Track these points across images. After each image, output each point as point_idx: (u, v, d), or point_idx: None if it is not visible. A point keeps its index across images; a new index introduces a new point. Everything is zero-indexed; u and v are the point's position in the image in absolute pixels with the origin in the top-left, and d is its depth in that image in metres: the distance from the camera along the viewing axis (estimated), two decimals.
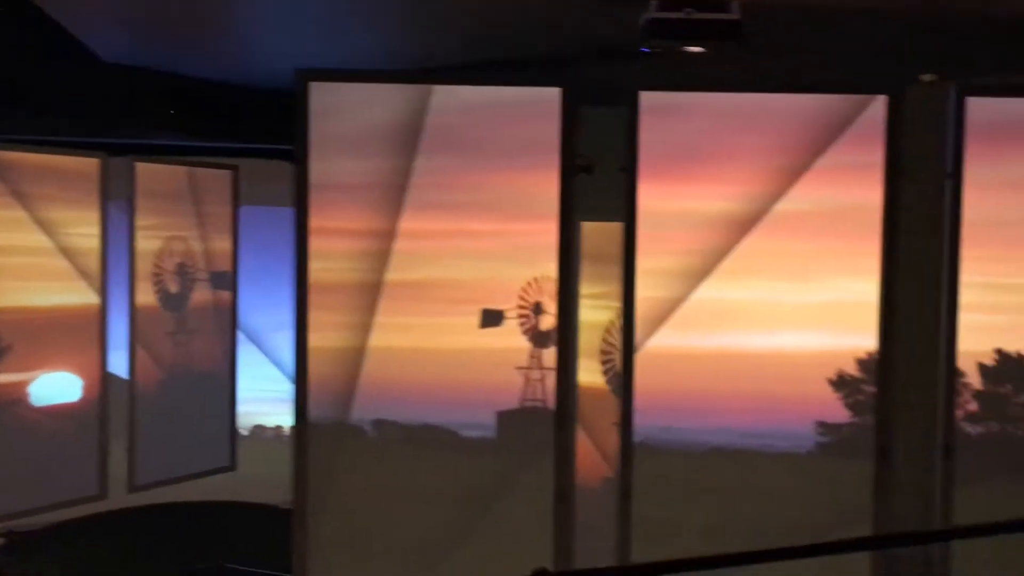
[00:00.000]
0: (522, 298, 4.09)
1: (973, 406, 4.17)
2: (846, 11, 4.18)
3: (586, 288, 5.26)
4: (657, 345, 4.10)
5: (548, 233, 4.06)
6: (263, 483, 5.63)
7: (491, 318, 4.06)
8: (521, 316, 4.09)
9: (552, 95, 4.04)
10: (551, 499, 4.10)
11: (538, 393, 4.08)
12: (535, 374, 4.08)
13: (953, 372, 4.14)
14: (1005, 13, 3.97)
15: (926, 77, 4.94)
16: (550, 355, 4.09)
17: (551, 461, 4.08)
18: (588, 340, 5.12)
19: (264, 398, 6.45)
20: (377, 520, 4.09)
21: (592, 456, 4.97)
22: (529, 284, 4.09)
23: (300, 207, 4.06)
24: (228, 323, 6.12)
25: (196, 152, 5.98)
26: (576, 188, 4.40)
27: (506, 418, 4.09)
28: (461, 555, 4.08)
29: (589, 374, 5.07)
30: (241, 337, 6.25)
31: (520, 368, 4.07)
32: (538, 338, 4.09)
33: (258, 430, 6.58)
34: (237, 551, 5.62)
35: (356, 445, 4.09)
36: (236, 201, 6.10)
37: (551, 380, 4.09)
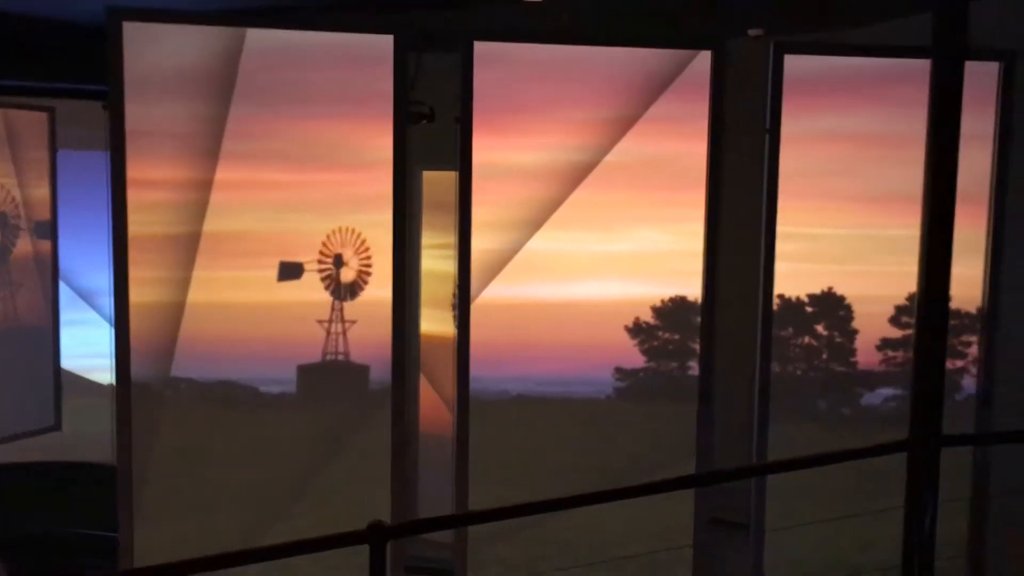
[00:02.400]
0: (322, 251, 3.90)
1: None
2: None
3: (430, 238, 5.13)
4: (485, 296, 4.02)
5: (356, 183, 3.87)
6: (91, 442, 5.27)
7: (289, 271, 3.86)
8: (322, 269, 3.90)
9: (382, 42, 3.82)
10: (388, 451, 3.99)
11: (340, 346, 3.93)
12: (336, 327, 3.92)
13: (769, 319, 4.25)
14: None
15: (753, 32, 4.98)
16: (352, 308, 3.93)
17: (385, 413, 3.95)
18: (433, 289, 5.00)
19: (91, 353, 6.02)
20: (201, 478, 3.87)
21: (438, 406, 4.89)
22: (330, 236, 3.90)
23: (116, 155, 3.72)
24: (49, 276, 5.65)
25: (3, 92, 5.41)
26: (417, 136, 4.25)
27: (307, 372, 3.93)
28: (293, 511, 3.92)
29: (436, 323, 4.95)
30: (66, 290, 5.81)
31: (321, 322, 3.90)
32: (340, 291, 3.92)
33: (86, 387, 6.16)
34: (64, 513, 5.26)
35: (162, 403, 3.84)
36: (54, 146, 5.59)
37: (353, 333, 3.93)
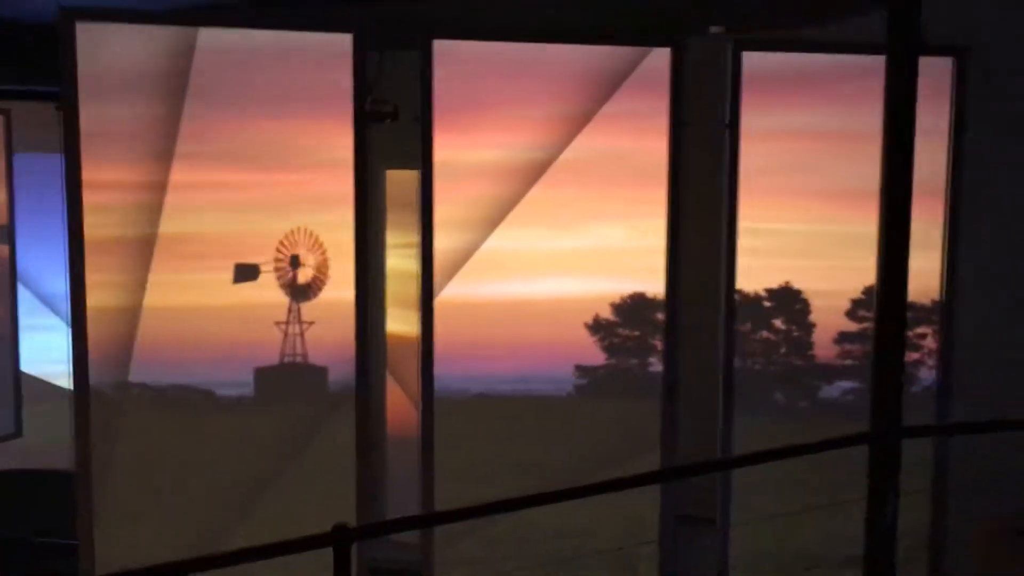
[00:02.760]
0: (279, 252, 3.86)
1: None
2: None
3: (394, 237, 5.08)
4: (445, 295, 4.00)
5: (312, 183, 3.82)
6: (52, 449, 5.17)
7: (245, 272, 3.81)
8: (278, 270, 3.86)
9: (339, 40, 3.77)
10: (352, 453, 3.94)
11: (298, 348, 3.89)
12: (294, 328, 3.87)
13: (732, 313, 4.27)
14: None
15: (714, 29, 5.00)
16: (310, 309, 3.89)
17: (344, 414, 3.91)
18: (396, 289, 4.96)
19: (55, 358, 5.91)
20: (159, 483, 3.81)
21: (405, 405, 4.86)
22: (286, 237, 3.86)
23: (70, 157, 3.65)
24: (7, 280, 5.54)
25: None
26: (379, 135, 4.22)
27: (264, 375, 3.89)
28: (254, 515, 3.87)
29: (400, 323, 4.92)
30: (29, 295, 5.71)
31: (279, 323, 3.86)
32: (297, 292, 3.88)
33: (50, 392, 6.04)
34: (25, 520, 5.16)
35: (119, 409, 3.77)
36: (10, 149, 5.48)
37: (312, 334, 3.90)
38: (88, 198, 3.64)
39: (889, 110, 3.90)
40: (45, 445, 5.43)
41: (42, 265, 5.73)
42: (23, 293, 5.85)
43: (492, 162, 3.97)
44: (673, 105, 4.07)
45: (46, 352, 5.81)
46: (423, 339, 4.00)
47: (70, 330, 3.69)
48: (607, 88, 3.99)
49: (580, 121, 4.00)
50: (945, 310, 4.46)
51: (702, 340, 4.33)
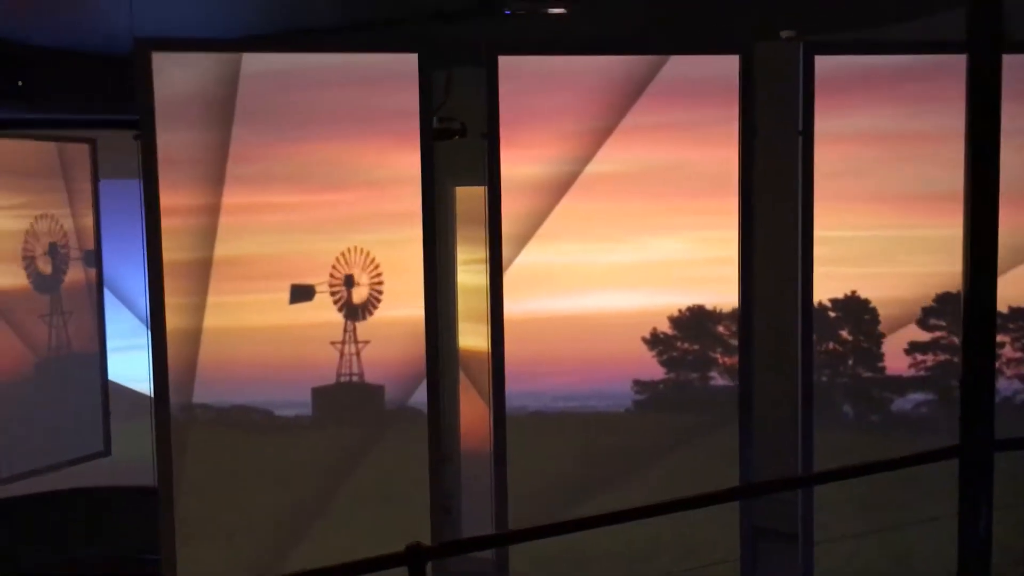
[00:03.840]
0: (333, 272, 3.84)
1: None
2: None
3: (466, 253, 5.05)
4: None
5: (367, 202, 3.78)
6: (140, 466, 5.27)
7: (301, 293, 3.80)
8: (333, 290, 3.84)
9: (395, 59, 3.75)
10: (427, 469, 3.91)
11: (354, 367, 3.86)
12: (350, 348, 3.85)
13: (810, 325, 4.10)
14: None
15: (785, 34, 4.85)
16: (365, 328, 3.85)
17: (402, 431, 3.87)
18: (471, 304, 4.92)
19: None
20: (224, 502, 3.82)
21: (482, 420, 4.80)
22: (340, 257, 3.83)
23: (148, 183, 3.70)
24: (96, 302, 5.71)
25: (38, 125, 5.49)
26: (447, 152, 4.20)
27: (321, 394, 3.86)
28: (317, 534, 3.86)
29: (476, 338, 4.87)
30: (131, 317, 5.90)
31: (335, 343, 3.83)
32: (352, 311, 3.85)
33: (138, 411, 6.19)
34: (114, 536, 5.27)
35: (184, 429, 3.79)
36: (96, 175, 5.65)
37: (367, 353, 3.85)
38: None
39: (972, 111, 3.71)
40: (130, 463, 5.55)
41: (141, 286, 5.89)
42: (126, 314, 6.03)
43: (546, 176, 3.90)
44: (743, 113, 3.94)
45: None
46: (493, 354, 3.94)
47: (150, 351, 3.75)
48: (658, 97, 3.89)
49: (636, 132, 3.90)
50: None
51: (774, 352, 4.18)
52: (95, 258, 5.68)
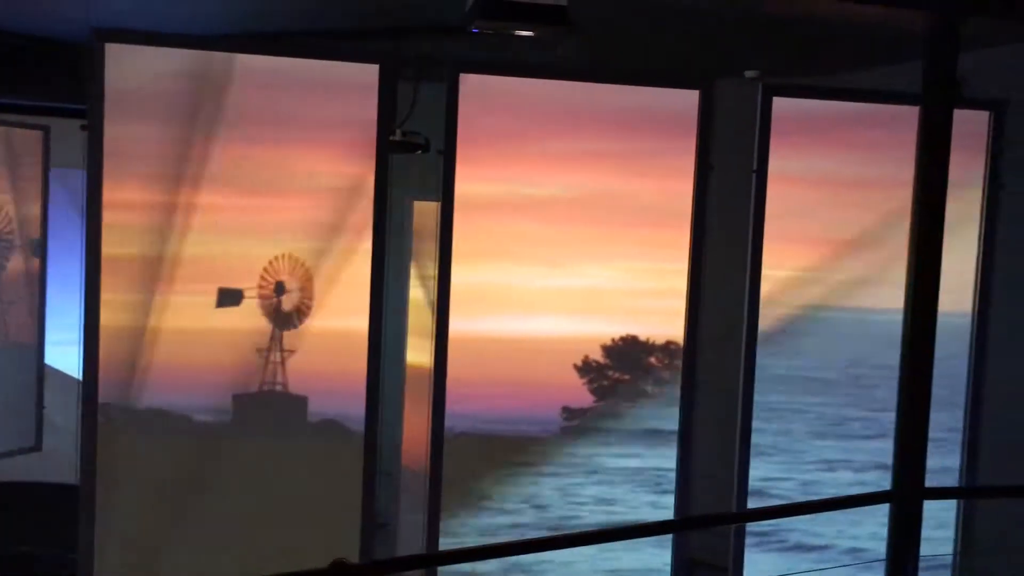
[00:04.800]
0: (263, 277, 3.74)
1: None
2: (667, 6, 4.04)
3: (421, 268, 4.98)
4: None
5: (301, 210, 3.68)
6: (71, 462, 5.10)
7: (228, 297, 3.70)
8: (262, 296, 3.74)
9: (354, 69, 3.68)
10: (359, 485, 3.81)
11: (278, 376, 3.76)
12: (275, 356, 3.74)
13: (752, 358, 4.10)
14: (811, 14, 3.91)
15: (749, 73, 4.89)
16: (292, 336, 3.76)
17: (324, 445, 3.78)
18: (422, 320, 4.84)
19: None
20: (153, 507, 3.69)
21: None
22: (272, 263, 3.74)
23: (92, 176, 3.58)
24: (37, 293, 5.54)
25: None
26: (408, 165, 4.14)
27: (242, 401, 3.74)
28: (252, 545, 3.74)
29: (423, 354, 4.79)
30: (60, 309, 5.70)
31: (260, 350, 3.74)
32: (281, 319, 3.76)
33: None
34: (37, 534, 5.08)
35: (107, 428, 3.65)
36: (47, 164, 5.50)
37: (296, 363, 3.74)
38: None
39: (921, 163, 3.76)
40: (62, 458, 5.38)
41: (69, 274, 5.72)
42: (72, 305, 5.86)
43: (487, 196, 3.85)
44: (700, 147, 3.94)
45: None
46: (436, 372, 3.87)
47: (81, 346, 3.62)
48: (612, 125, 3.88)
49: (585, 159, 3.88)
50: (975, 373, 4.26)
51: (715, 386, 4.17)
52: (40, 248, 5.52)
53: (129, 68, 3.54)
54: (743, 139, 4.06)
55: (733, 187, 4.00)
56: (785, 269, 4.12)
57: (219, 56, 3.60)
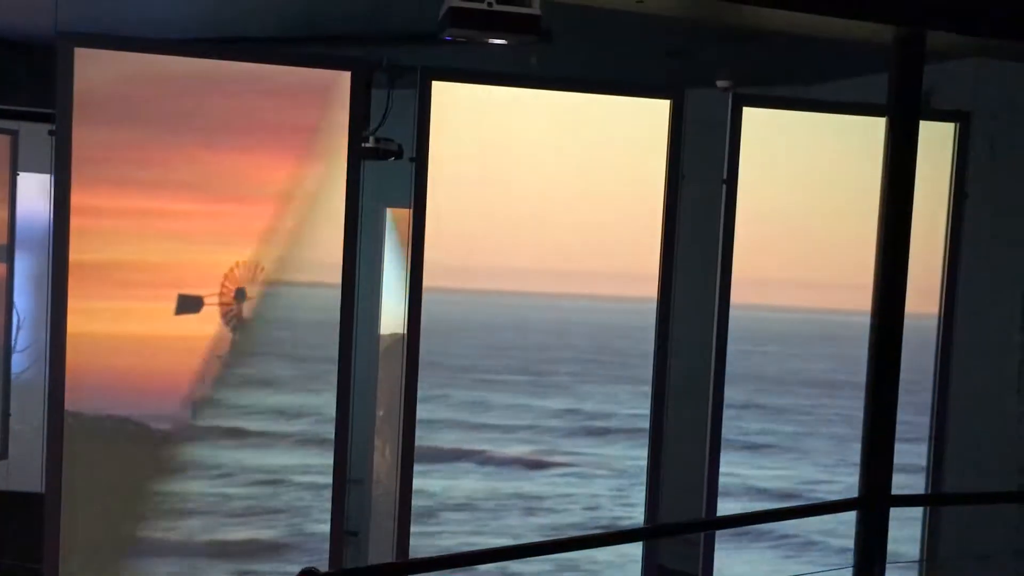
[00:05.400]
0: (224, 284, 3.69)
1: None
2: (641, 14, 4.05)
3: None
4: None
5: (260, 217, 3.63)
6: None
7: (188, 304, 3.65)
8: (223, 303, 3.70)
9: (314, 75, 3.65)
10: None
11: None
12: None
13: (722, 368, 4.12)
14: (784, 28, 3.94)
15: (721, 83, 4.91)
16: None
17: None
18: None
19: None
20: (114, 515, 3.63)
21: None
22: (232, 269, 3.70)
23: (60, 182, 3.53)
24: (3, 298, 5.43)
25: None
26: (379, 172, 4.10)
27: (200, 407, 3.66)
28: (218, 553, 3.69)
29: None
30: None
31: (222, 356, 3.66)
32: (242, 326, 3.71)
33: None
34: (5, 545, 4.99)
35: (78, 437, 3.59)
36: (15, 168, 5.39)
37: None
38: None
39: (889, 173, 3.80)
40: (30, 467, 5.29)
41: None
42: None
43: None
44: (671, 156, 3.96)
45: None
46: (407, 379, 3.85)
47: (47, 353, 3.56)
48: None
49: None
50: (939, 388, 4.30)
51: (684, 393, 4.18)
52: (7, 253, 5.41)
53: (92, 71, 3.49)
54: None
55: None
56: None
57: (181, 60, 3.55)
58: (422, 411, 3.84)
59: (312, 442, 3.76)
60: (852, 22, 3.53)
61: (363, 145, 3.82)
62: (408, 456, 3.85)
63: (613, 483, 4.08)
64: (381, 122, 4.64)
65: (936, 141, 4.18)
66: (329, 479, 3.72)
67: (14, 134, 5.39)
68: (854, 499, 3.80)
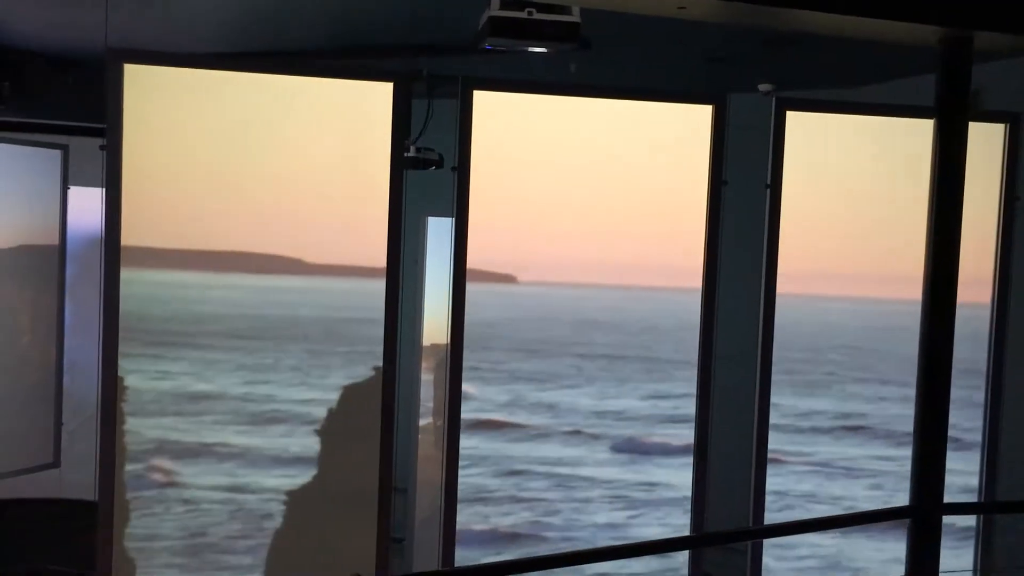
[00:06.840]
0: None
1: None
2: (683, 20, 4.03)
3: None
4: None
5: None
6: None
7: None
8: None
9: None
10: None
11: None
12: None
13: (768, 375, 4.06)
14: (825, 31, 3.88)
15: (763, 87, 4.86)
16: None
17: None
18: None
19: None
20: (169, 519, 3.68)
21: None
22: None
23: (111, 198, 3.58)
24: (56, 312, 5.54)
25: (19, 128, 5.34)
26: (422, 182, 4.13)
27: None
28: (271, 559, 3.72)
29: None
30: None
31: None
32: None
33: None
34: (57, 551, 5.07)
35: None
36: (66, 183, 5.50)
37: None
38: None
39: (938, 175, 3.72)
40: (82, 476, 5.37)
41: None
42: None
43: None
44: (713, 163, 3.92)
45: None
46: (451, 387, 3.85)
47: (99, 368, 3.61)
48: None
49: None
50: (993, 392, 4.20)
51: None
52: (59, 265, 5.52)
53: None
54: None
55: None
56: None
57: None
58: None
59: None
60: (897, 23, 3.46)
61: (404, 155, 3.83)
62: (453, 459, 3.84)
63: None
64: (423, 130, 4.67)
65: (985, 142, 4.08)
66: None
67: (64, 149, 5.51)
68: (906, 507, 3.72)
